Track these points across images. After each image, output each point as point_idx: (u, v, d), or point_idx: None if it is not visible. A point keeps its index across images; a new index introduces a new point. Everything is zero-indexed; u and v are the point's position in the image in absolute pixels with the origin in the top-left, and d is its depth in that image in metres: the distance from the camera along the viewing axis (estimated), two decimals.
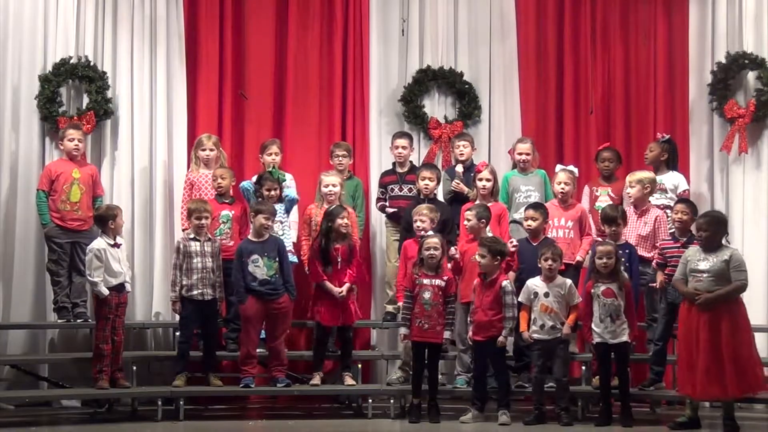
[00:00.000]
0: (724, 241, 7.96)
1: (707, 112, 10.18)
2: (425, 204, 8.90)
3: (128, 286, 8.68)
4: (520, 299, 8.28)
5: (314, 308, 8.81)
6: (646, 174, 9.01)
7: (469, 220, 8.61)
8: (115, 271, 8.46)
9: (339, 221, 8.72)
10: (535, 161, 9.49)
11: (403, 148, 9.65)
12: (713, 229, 7.84)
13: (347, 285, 8.70)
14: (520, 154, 9.41)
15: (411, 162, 9.76)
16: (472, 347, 8.31)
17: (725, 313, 7.69)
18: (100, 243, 8.49)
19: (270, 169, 9.19)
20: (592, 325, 8.11)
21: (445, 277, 8.30)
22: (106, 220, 8.56)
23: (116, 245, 8.53)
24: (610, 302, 8.05)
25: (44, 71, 9.65)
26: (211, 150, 9.40)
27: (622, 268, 8.23)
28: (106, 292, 8.40)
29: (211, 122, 10.00)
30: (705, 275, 7.73)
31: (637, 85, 10.46)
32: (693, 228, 8.35)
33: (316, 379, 8.82)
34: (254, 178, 9.22)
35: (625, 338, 8.08)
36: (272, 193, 9.04)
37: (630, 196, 8.91)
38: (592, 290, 8.11)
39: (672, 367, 8.67)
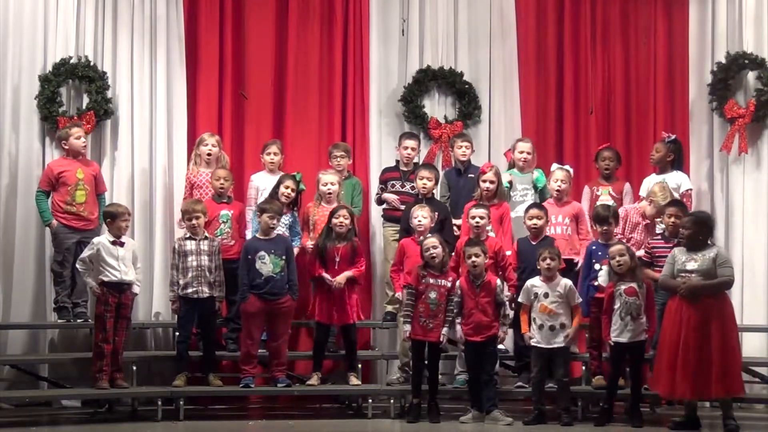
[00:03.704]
0: (709, 242, 7.98)
1: (707, 112, 10.18)
2: (423, 203, 8.90)
3: (136, 288, 8.68)
4: (520, 299, 8.29)
5: (312, 305, 8.81)
6: (659, 193, 8.91)
7: (482, 218, 8.58)
8: (111, 268, 8.45)
9: (334, 220, 8.73)
10: (534, 162, 9.49)
11: (412, 149, 9.65)
12: (695, 228, 7.91)
13: (346, 274, 8.71)
14: (521, 152, 9.42)
15: (416, 163, 9.74)
16: (468, 348, 8.28)
17: (715, 312, 7.73)
18: (101, 238, 8.59)
19: (296, 173, 9.23)
20: (611, 324, 8.10)
21: (451, 278, 8.30)
22: (107, 218, 8.64)
23: (117, 243, 8.53)
24: (632, 301, 8.04)
25: (44, 71, 9.65)
26: (214, 146, 9.41)
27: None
28: (91, 283, 8.46)
29: (211, 122, 10.00)
30: (693, 275, 7.77)
31: (637, 85, 10.46)
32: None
33: (314, 380, 8.82)
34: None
35: (643, 337, 8.08)
36: (288, 191, 9.03)
37: (648, 215, 8.87)
38: (615, 289, 8.11)
39: None
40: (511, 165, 9.56)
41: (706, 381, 7.63)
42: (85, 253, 8.57)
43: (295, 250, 9.03)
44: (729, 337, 7.75)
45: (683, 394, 7.80)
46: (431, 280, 8.27)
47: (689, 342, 7.67)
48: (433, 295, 8.25)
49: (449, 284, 8.27)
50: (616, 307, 8.08)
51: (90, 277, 8.49)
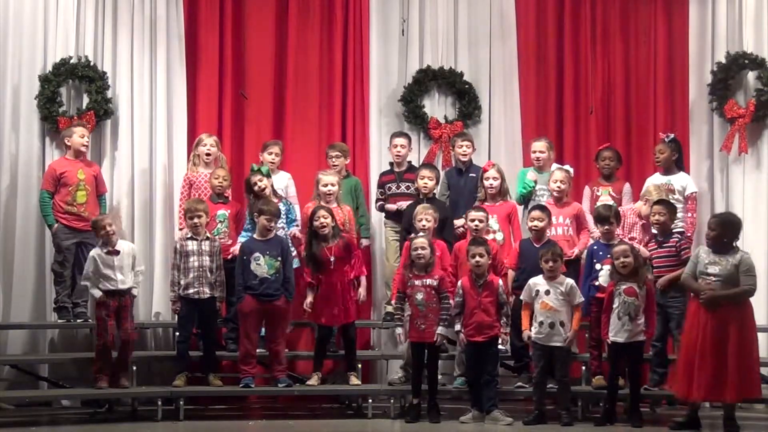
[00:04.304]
0: (735, 245, 7.89)
1: (707, 112, 10.18)
2: (428, 204, 8.90)
3: (135, 291, 8.71)
4: (522, 297, 8.30)
5: (314, 308, 8.79)
6: (654, 192, 8.92)
7: (481, 221, 8.60)
8: (108, 278, 8.50)
9: (315, 223, 8.69)
10: (551, 161, 9.47)
11: (402, 147, 9.65)
12: (720, 230, 7.82)
13: (363, 284, 8.81)
14: (534, 152, 9.44)
15: (409, 162, 9.75)
16: (469, 348, 8.27)
17: (734, 316, 7.66)
18: (96, 250, 8.62)
19: (252, 165, 9.19)
20: (610, 323, 8.10)
21: (436, 276, 8.29)
22: (94, 230, 8.67)
23: (112, 252, 8.54)
24: (631, 301, 8.03)
25: (44, 71, 9.65)
26: (212, 147, 9.40)
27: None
28: (97, 294, 8.51)
29: (211, 122, 10.00)
30: (714, 279, 7.71)
31: (637, 85, 10.46)
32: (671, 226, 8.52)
33: (314, 380, 8.81)
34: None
35: (641, 338, 8.07)
36: (262, 184, 8.98)
37: (643, 215, 8.88)
38: (615, 288, 8.11)
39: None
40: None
41: (722, 385, 7.58)
42: (87, 268, 8.59)
43: (296, 230, 9.07)
44: (747, 341, 7.69)
45: (698, 396, 7.76)
46: (416, 282, 8.27)
47: (706, 345, 7.61)
48: (419, 296, 8.25)
49: (435, 282, 8.26)
50: (614, 306, 8.08)
51: (94, 289, 8.53)
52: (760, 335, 9.28)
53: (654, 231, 8.73)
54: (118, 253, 8.57)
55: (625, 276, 8.09)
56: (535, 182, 9.30)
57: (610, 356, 8.22)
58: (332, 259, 8.68)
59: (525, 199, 9.29)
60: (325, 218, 8.68)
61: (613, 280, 8.15)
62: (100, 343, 8.47)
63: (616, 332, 8.07)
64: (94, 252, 8.60)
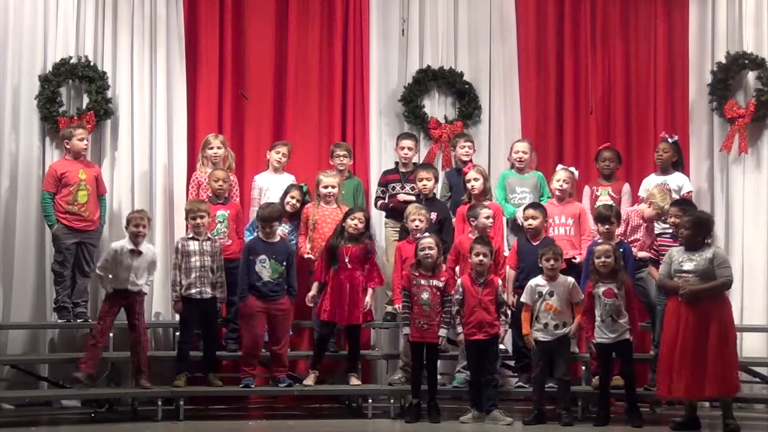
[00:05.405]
0: (707, 241, 7.96)
1: (707, 112, 10.19)
2: (418, 204, 8.91)
3: (145, 288, 8.72)
4: (522, 299, 8.29)
5: (318, 305, 8.78)
6: (658, 195, 8.93)
7: (488, 218, 8.60)
8: (120, 276, 8.52)
9: (349, 221, 8.71)
10: (533, 162, 9.48)
11: (409, 149, 9.64)
12: (693, 229, 7.89)
13: (370, 293, 8.76)
14: (517, 152, 9.41)
15: (415, 163, 9.74)
16: (469, 347, 8.27)
17: (715, 314, 7.73)
18: (122, 243, 8.62)
19: (303, 184, 9.28)
20: (595, 325, 8.11)
21: (443, 278, 8.30)
22: (129, 222, 8.68)
23: (135, 252, 8.54)
24: (611, 302, 8.05)
25: (44, 71, 9.65)
26: (219, 148, 9.40)
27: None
28: (108, 289, 8.53)
29: (211, 122, 10.00)
30: (691, 275, 7.77)
31: (637, 85, 10.46)
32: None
33: (310, 379, 8.80)
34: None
35: (626, 337, 8.08)
36: (293, 201, 9.10)
37: (646, 217, 8.86)
38: (593, 290, 8.11)
39: None
40: (512, 167, 9.55)
41: (701, 381, 7.64)
42: (104, 257, 8.62)
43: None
44: (727, 338, 7.75)
45: (678, 393, 7.81)
46: (422, 281, 8.26)
47: (687, 343, 7.68)
48: (425, 296, 8.24)
49: (441, 284, 8.26)
50: (596, 309, 8.09)
51: (107, 283, 8.57)
52: (760, 335, 9.36)
53: (659, 230, 8.71)
54: (140, 254, 8.58)
55: (604, 276, 8.09)
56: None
57: (599, 357, 8.24)
58: (347, 259, 8.68)
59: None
60: (360, 222, 8.70)
61: (592, 280, 8.15)
62: (91, 338, 8.54)
63: (601, 334, 8.08)
64: (117, 245, 8.58)
